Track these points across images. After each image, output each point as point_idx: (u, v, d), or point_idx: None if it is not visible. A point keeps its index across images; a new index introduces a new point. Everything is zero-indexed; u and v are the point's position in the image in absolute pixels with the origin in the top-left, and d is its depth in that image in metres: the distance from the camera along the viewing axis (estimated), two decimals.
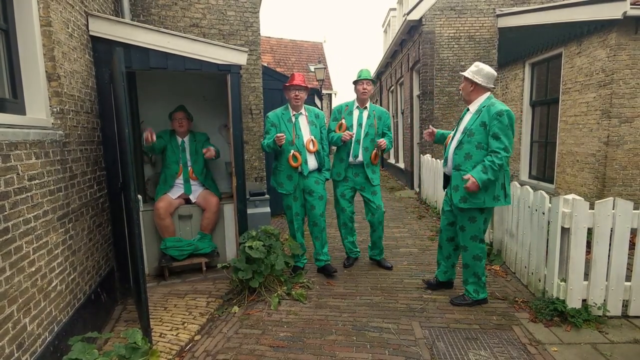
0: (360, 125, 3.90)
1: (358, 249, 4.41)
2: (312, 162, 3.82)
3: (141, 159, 4.33)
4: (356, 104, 3.96)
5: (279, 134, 3.52)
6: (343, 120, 3.93)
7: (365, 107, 3.94)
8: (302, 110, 3.84)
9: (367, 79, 3.84)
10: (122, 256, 3.52)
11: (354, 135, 3.88)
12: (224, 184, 4.65)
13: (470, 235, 3.19)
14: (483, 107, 3.05)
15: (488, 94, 3.14)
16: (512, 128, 2.96)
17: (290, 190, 3.80)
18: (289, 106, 3.82)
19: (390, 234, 5.51)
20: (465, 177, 2.98)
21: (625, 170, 5.42)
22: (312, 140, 3.78)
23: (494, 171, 2.93)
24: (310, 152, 3.78)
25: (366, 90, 3.85)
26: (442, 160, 3.32)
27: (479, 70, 3.11)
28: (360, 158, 3.91)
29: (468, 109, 3.21)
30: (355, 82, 3.92)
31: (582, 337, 2.78)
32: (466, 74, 3.16)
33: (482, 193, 3.03)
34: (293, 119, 3.78)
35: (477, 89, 3.12)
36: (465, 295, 3.32)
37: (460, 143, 3.11)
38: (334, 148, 4.12)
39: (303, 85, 3.74)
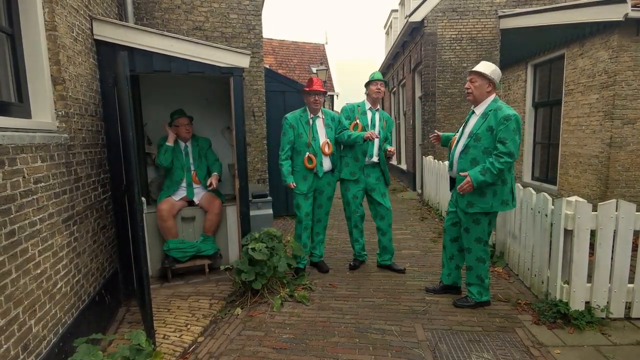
0: (374, 125, 3.96)
1: (366, 252, 4.40)
2: (327, 164, 3.95)
3: (144, 162, 4.36)
4: (368, 105, 4.00)
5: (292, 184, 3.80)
6: (358, 120, 3.94)
7: (378, 109, 4.01)
8: (319, 113, 3.96)
9: (381, 80, 3.90)
10: (125, 258, 3.54)
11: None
12: (227, 186, 4.66)
13: (475, 237, 3.18)
14: (489, 110, 2.98)
15: (494, 95, 3.07)
16: (519, 133, 2.89)
17: (304, 191, 3.89)
18: (307, 109, 3.93)
19: (393, 236, 5.46)
20: (463, 174, 2.94)
21: (628, 172, 5.41)
22: (327, 143, 3.90)
23: (492, 175, 2.87)
24: (325, 154, 3.91)
25: (380, 90, 3.90)
26: (448, 163, 3.26)
27: (494, 70, 3.01)
28: (375, 158, 3.96)
29: (473, 112, 3.12)
30: (368, 83, 3.97)
31: (585, 340, 2.78)
32: (484, 71, 3.00)
33: (490, 198, 3.00)
34: (310, 122, 3.90)
35: (491, 89, 3.03)
36: (468, 297, 3.32)
37: (466, 147, 3.04)
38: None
39: (322, 90, 3.88)
